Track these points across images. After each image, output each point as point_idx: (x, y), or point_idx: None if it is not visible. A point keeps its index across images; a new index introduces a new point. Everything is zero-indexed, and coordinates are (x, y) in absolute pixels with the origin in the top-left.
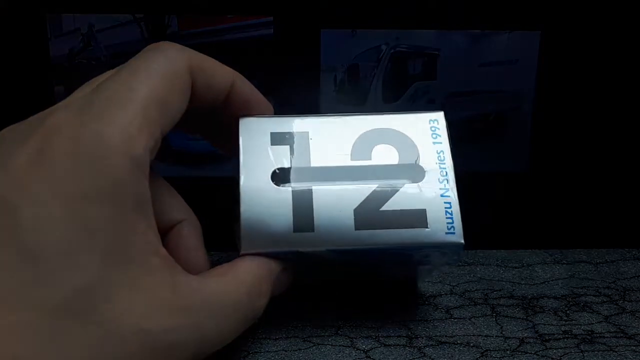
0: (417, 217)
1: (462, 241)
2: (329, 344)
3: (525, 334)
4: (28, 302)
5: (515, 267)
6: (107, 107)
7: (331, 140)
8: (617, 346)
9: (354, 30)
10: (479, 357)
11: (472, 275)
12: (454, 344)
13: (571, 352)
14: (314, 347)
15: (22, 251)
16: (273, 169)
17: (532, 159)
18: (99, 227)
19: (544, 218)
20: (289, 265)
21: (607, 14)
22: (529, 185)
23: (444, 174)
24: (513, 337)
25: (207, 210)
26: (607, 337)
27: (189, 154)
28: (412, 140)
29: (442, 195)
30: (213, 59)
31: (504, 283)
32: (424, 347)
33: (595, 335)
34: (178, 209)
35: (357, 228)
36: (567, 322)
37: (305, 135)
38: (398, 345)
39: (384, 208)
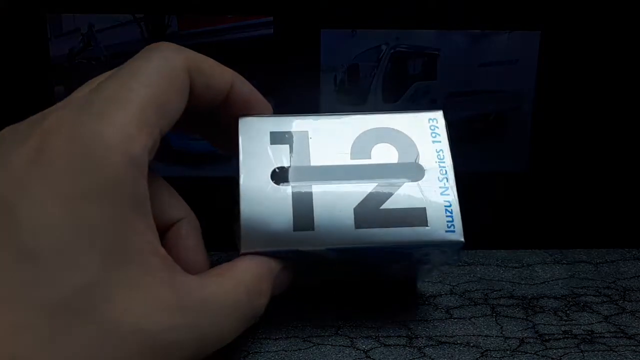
0: (417, 216)
1: (462, 239)
2: (329, 344)
3: (525, 334)
4: (27, 301)
5: (515, 267)
6: (105, 107)
7: (331, 140)
8: (617, 346)
9: (354, 30)
10: (479, 357)
11: (472, 275)
12: (454, 344)
13: (571, 352)
14: (314, 347)
15: (21, 251)
16: (273, 168)
17: (532, 159)
18: (98, 227)
19: (544, 218)
20: (289, 264)
21: (607, 14)
22: (529, 185)
23: (444, 172)
24: (513, 337)
25: (207, 210)
26: (607, 337)
27: (189, 154)
28: (411, 139)
29: (441, 194)
30: (212, 60)
31: (504, 283)
32: (424, 347)
33: (595, 335)
34: (177, 207)
35: (357, 227)
36: (567, 322)
37: (304, 135)
38: (398, 345)
39: (383, 207)
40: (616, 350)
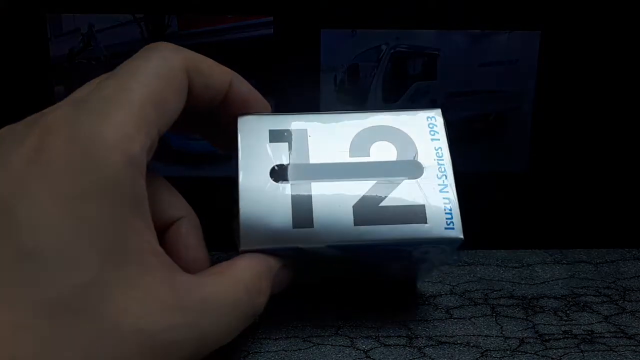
0: (416, 213)
1: (462, 236)
2: (329, 344)
3: (525, 334)
4: (27, 301)
5: (515, 267)
6: (104, 106)
7: (329, 138)
8: (617, 346)
9: (354, 30)
10: (479, 357)
11: (472, 275)
12: (454, 344)
13: (571, 352)
14: (314, 347)
15: (21, 251)
16: (272, 166)
17: (532, 159)
18: (97, 227)
19: (544, 218)
20: (288, 262)
21: (607, 14)
22: (529, 185)
23: (442, 170)
24: (513, 337)
25: (206, 210)
26: (607, 337)
27: (188, 154)
28: (410, 137)
29: (440, 191)
30: (210, 59)
31: (504, 283)
32: (424, 347)
33: (595, 335)
34: (177, 206)
35: (356, 224)
36: (567, 322)
37: (303, 133)
38: (398, 345)
39: (383, 204)
40: (616, 350)
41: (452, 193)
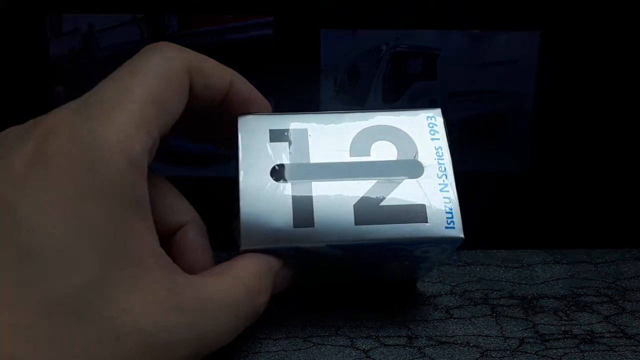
0: (417, 212)
1: (462, 235)
2: (329, 344)
3: (525, 334)
4: (27, 301)
5: (515, 267)
6: (104, 107)
7: (330, 137)
8: (617, 346)
9: (354, 30)
10: (479, 357)
11: (472, 275)
12: (454, 344)
13: (571, 352)
14: (314, 347)
15: (21, 251)
16: (272, 166)
17: (532, 159)
18: (97, 227)
19: (544, 218)
20: (289, 262)
21: (607, 14)
22: (529, 185)
23: (443, 169)
24: (513, 337)
25: (207, 210)
26: (607, 337)
27: (189, 154)
28: (410, 137)
29: (441, 191)
30: (211, 59)
31: (504, 283)
32: (424, 347)
33: (595, 335)
34: (183, 211)
35: (357, 223)
36: (567, 322)
37: (304, 132)
38: (398, 345)
39: (383, 203)
40: (616, 350)
41: (452, 192)
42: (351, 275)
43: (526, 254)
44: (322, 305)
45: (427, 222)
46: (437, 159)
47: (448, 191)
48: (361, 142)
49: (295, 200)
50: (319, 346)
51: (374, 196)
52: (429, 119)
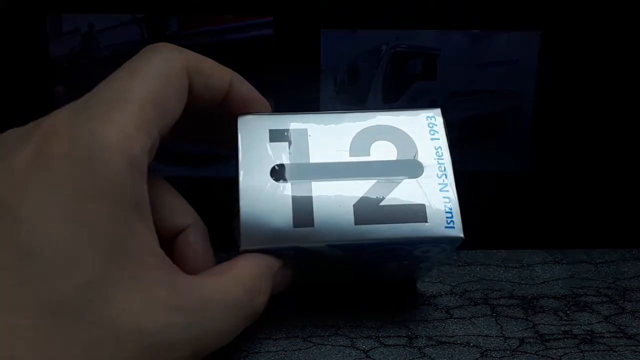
0: (417, 212)
1: (462, 235)
2: (329, 344)
3: (525, 334)
4: (27, 301)
5: (515, 267)
6: (103, 108)
7: (330, 137)
8: (617, 346)
9: (354, 30)
10: (479, 357)
11: (472, 275)
12: (454, 344)
13: (571, 352)
14: (314, 347)
15: (22, 251)
16: (272, 166)
17: (532, 159)
18: (97, 227)
19: (544, 218)
20: (289, 262)
21: (607, 14)
22: (529, 185)
23: (442, 169)
24: (513, 337)
25: (207, 210)
26: (607, 337)
27: (189, 154)
28: (410, 137)
29: (440, 190)
30: (211, 60)
31: (504, 283)
32: (424, 347)
33: (595, 335)
34: (185, 213)
35: (356, 223)
36: (567, 322)
37: (304, 132)
38: (398, 345)
39: (383, 203)
40: (616, 350)
41: (452, 192)
42: (351, 275)
43: (526, 254)
44: (322, 305)
45: (426, 221)
46: (437, 158)
47: (448, 191)
48: (361, 142)
49: (295, 200)
50: (319, 346)
51: (374, 196)
52: (428, 119)
